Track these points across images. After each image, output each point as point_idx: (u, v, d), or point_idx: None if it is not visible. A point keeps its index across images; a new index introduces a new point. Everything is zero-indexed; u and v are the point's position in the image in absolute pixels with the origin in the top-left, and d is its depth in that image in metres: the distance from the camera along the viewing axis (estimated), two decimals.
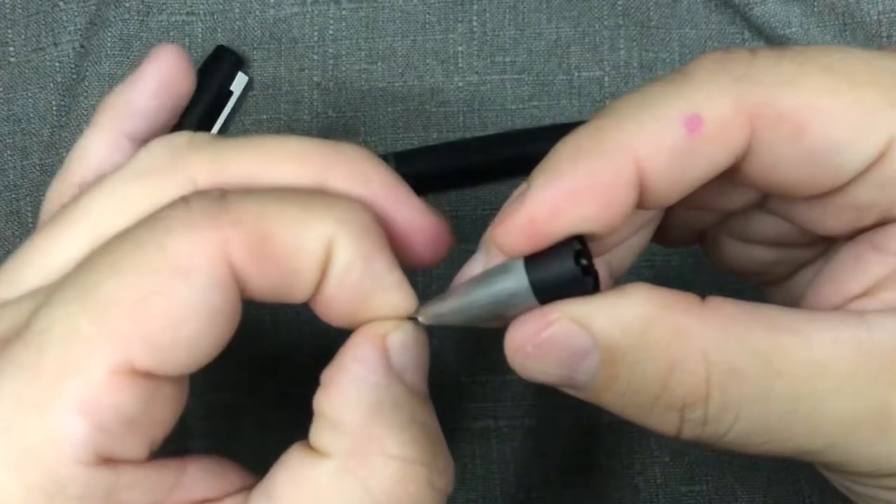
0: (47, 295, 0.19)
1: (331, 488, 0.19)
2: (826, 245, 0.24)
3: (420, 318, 0.21)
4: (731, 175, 0.20)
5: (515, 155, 0.35)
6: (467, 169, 0.35)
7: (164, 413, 0.20)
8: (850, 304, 0.20)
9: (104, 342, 0.18)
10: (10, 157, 0.36)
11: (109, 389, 0.18)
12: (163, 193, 0.21)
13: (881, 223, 0.20)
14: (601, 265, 0.23)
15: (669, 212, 0.24)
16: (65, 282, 0.19)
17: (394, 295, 0.21)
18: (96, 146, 0.24)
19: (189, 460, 0.21)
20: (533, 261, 0.20)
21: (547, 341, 0.19)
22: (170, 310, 0.18)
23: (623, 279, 0.23)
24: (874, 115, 0.19)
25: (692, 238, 0.26)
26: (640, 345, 0.19)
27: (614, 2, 0.37)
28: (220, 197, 0.20)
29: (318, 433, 0.20)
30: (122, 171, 0.22)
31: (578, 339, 0.19)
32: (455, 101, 0.36)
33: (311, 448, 0.20)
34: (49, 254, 0.21)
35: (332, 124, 0.36)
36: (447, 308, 0.21)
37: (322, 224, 0.20)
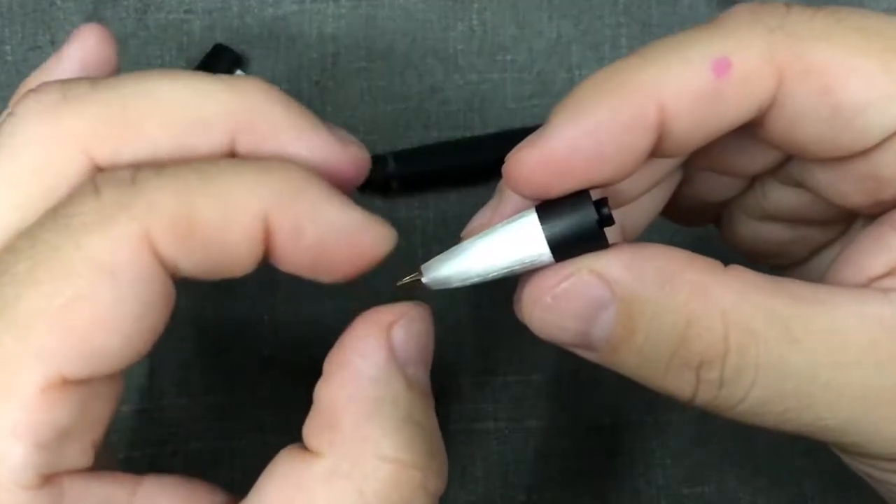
0: None
1: (322, 491, 0.18)
2: (843, 226, 0.24)
3: (425, 281, 0.20)
4: (753, 129, 0.20)
5: None
6: (467, 168, 0.35)
7: (102, 411, 0.19)
8: (873, 284, 0.20)
9: (31, 359, 0.17)
10: None
11: (43, 406, 0.17)
12: (56, 173, 0.19)
13: None
14: (616, 226, 0.23)
15: (685, 182, 0.24)
16: None
17: (364, 235, 0.19)
18: None
19: (146, 477, 0.20)
20: (548, 213, 0.19)
21: (566, 292, 0.19)
22: (97, 313, 0.17)
23: None
24: None
25: (708, 216, 0.26)
26: (658, 298, 0.19)
27: (615, 0, 0.37)
28: (131, 181, 0.18)
29: (313, 428, 0.19)
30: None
31: (597, 291, 0.19)
32: (455, 100, 0.36)
33: (302, 449, 0.19)
34: None
35: (331, 122, 0.36)
36: (454, 269, 0.20)
37: (250, 196, 0.18)
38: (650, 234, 0.27)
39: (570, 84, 0.36)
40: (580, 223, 0.19)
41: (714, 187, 0.24)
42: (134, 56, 0.36)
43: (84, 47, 0.24)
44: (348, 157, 0.20)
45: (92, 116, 0.19)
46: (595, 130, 0.19)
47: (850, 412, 0.19)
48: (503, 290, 0.35)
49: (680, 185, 0.24)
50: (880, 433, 0.19)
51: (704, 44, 0.19)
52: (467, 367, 0.34)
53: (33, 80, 0.23)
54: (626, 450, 0.34)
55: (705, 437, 0.34)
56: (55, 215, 0.18)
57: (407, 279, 0.21)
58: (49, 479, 0.18)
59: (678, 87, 0.19)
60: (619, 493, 0.34)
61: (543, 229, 0.19)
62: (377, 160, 0.35)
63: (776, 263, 0.26)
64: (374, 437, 0.19)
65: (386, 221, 0.20)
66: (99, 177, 0.18)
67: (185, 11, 0.37)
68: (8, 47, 0.37)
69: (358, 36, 0.36)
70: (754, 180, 0.24)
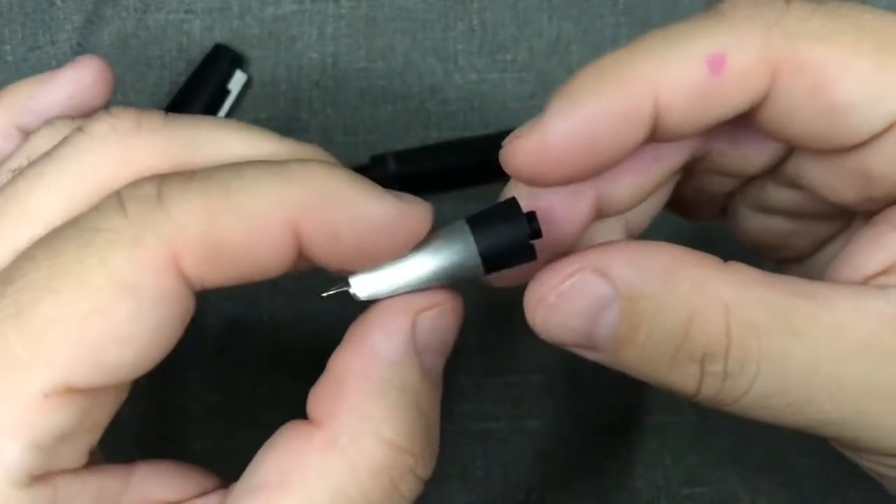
0: None
1: (317, 461, 0.19)
2: (844, 221, 0.24)
3: (352, 290, 0.20)
4: (747, 119, 0.20)
5: None
6: (467, 168, 0.35)
7: (103, 417, 0.19)
8: (871, 282, 0.20)
9: (40, 366, 0.17)
10: None
11: (44, 411, 0.17)
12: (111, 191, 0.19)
13: (892, 200, 0.20)
14: (619, 224, 0.24)
15: (688, 178, 0.24)
16: None
17: (401, 222, 0.19)
18: None
19: (137, 464, 0.20)
20: (479, 225, 0.20)
21: (569, 291, 0.19)
22: (113, 328, 0.17)
23: None
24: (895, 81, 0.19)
25: (714, 211, 0.26)
26: (660, 293, 0.19)
27: (615, 0, 0.37)
28: (157, 197, 0.18)
29: (319, 395, 0.19)
30: (63, 158, 0.20)
31: (600, 288, 0.19)
32: (455, 100, 0.36)
33: (304, 422, 0.19)
34: None
35: (331, 123, 0.36)
36: (383, 280, 0.20)
37: (277, 208, 0.18)
38: (653, 231, 0.27)
39: None
40: (512, 236, 0.19)
41: (714, 182, 0.25)
42: (134, 56, 0.36)
43: (81, 77, 0.24)
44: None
45: (160, 152, 0.20)
46: (591, 121, 0.19)
47: (851, 405, 0.19)
48: (503, 290, 0.35)
49: (681, 181, 0.24)
50: (881, 427, 0.19)
51: (701, 38, 0.19)
52: (467, 367, 0.34)
53: (24, 86, 0.24)
54: (626, 450, 0.34)
55: (705, 437, 0.34)
56: (78, 228, 0.18)
57: (333, 290, 0.21)
58: (42, 477, 0.18)
59: (673, 82, 0.19)
60: (619, 493, 0.34)
61: (475, 241, 0.19)
62: (377, 160, 0.35)
63: (782, 257, 0.26)
64: (376, 417, 0.19)
65: (417, 199, 0.20)
66: (124, 191, 0.18)
67: (186, 11, 0.37)
68: (8, 47, 0.37)
69: (358, 36, 0.36)
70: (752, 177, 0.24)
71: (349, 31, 0.36)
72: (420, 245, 0.20)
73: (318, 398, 0.19)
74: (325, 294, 0.21)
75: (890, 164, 0.19)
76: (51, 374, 0.17)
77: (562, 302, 0.19)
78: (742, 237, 0.26)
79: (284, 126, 0.36)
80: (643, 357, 0.19)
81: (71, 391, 0.18)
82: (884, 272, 0.20)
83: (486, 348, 0.34)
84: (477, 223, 0.20)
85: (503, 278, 0.22)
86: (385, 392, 0.19)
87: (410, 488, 0.19)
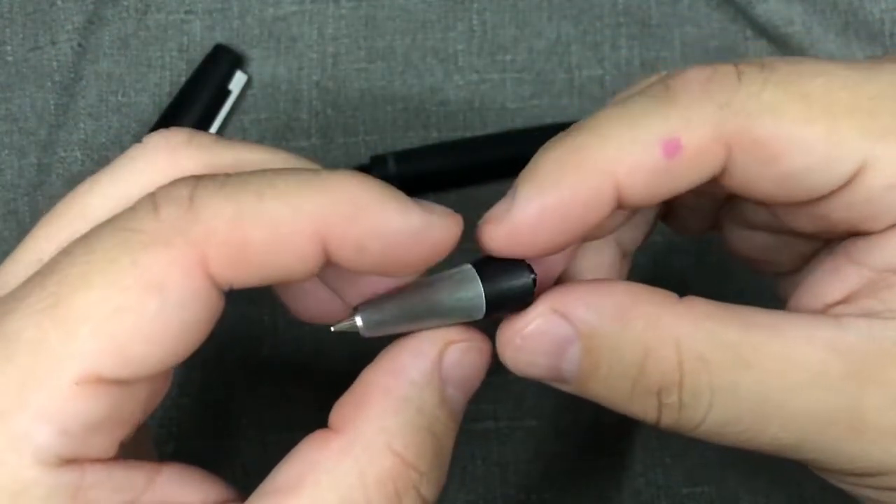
0: (14, 298, 0.19)
1: (330, 466, 0.19)
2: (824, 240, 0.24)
3: (360, 325, 0.21)
4: (707, 182, 0.21)
5: (516, 154, 0.34)
6: (467, 168, 0.35)
7: (134, 412, 0.20)
8: (829, 311, 0.21)
9: (71, 355, 0.18)
10: (7, 157, 0.36)
11: (74, 398, 0.18)
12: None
13: (853, 232, 0.21)
14: (611, 244, 0.25)
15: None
16: (35, 287, 0.19)
17: (429, 234, 0.20)
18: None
19: (165, 465, 0.21)
20: (485, 271, 0.21)
21: (533, 333, 0.21)
22: (141, 325, 0.18)
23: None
24: (845, 144, 0.19)
25: (705, 225, 0.27)
26: (617, 332, 0.20)
27: (615, 0, 0.37)
28: (189, 199, 0.19)
29: (343, 404, 0.20)
30: (118, 164, 0.21)
31: (561, 329, 0.21)
32: (455, 100, 0.36)
33: (326, 431, 0.20)
34: (42, 251, 0.21)
35: (332, 123, 0.36)
36: (390, 317, 0.21)
37: (304, 218, 0.19)
38: (653, 235, 0.27)
39: (570, 84, 0.36)
40: (515, 285, 0.21)
41: (695, 199, 0.25)
42: (135, 56, 0.36)
43: None
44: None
45: (205, 165, 0.21)
46: (555, 207, 0.20)
47: (804, 433, 0.20)
48: None
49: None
50: (837, 451, 0.20)
51: (655, 123, 0.20)
52: None
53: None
54: (626, 450, 0.34)
55: (708, 442, 0.34)
56: (113, 227, 0.19)
57: (343, 325, 0.21)
58: (70, 462, 0.19)
59: (630, 167, 0.20)
60: (619, 493, 0.34)
61: (484, 288, 0.21)
62: (377, 160, 0.35)
63: (773, 270, 0.27)
64: (390, 430, 0.20)
65: (448, 210, 0.21)
66: (158, 193, 0.19)
67: (186, 12, 0.37)
68: (9, 47, 0.37)
69: (358, 36, 0.36)
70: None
71: (349, 32, 0.36)
72: (425, 283, 0.21)
73: (341, 408, 0.20)
74: (334, 328, 0.22)
75: (847, 211, 0.20)
76: (82, 363, 0.18)
77: (527, 343, 0.21)
78: (732, 251, 0.27)
79: (284, 126, 0.36)
80: (606, 389, 0.21)
81: (100, 382, 0.18)
82: (842, 301, 0.21)
83: None
84: (485, 270, 0.21)
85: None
86: (403, 409, 0.20)
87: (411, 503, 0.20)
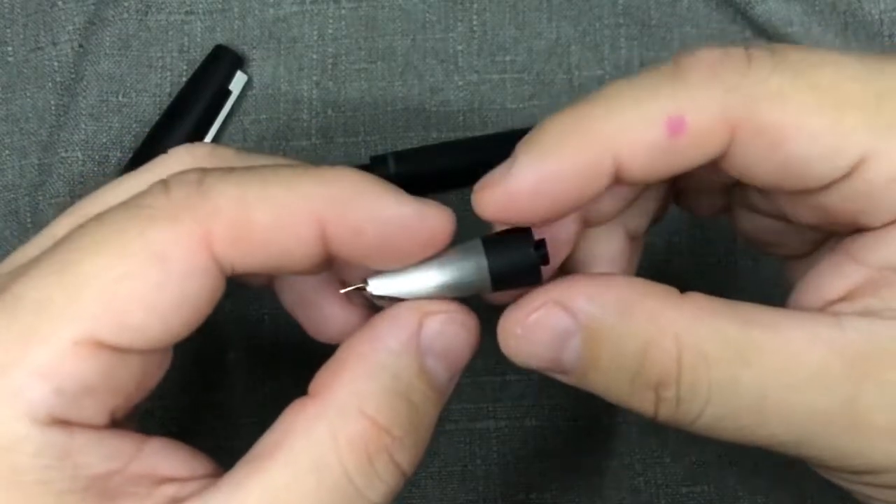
0: (28, 265, 0.20)
1: (305, 430, 0.20)
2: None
3: (369, 289, 0.22)
4: (712, 163, 0.21)
5: None
6: (467, 168, 0.35)
7: (129, 384, 0.20)
8: (829, 308, 0.21)
9: (73, 315, 0.19)
10: (8, 157, 0.36)
11: (72, 358, 0.19)
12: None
13: (853, 227, 0.21)
14: (618, 228, 0.25)
15: (682, 176, 0.25)
16: (46, 255, 0.20)
17: (422, 225, 0.21)
18: None
19: (153, 437, 0.21)
20: (493, 246, 0.21)
21: (534, 324, 0.21)
22: (142, 293, 0.19)
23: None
24: (849, 136, 0.19)
25: (715, 208, 0.27)
26: (618, 325, 0.20)
27: (615, 1, 0.37)
28: (198, 183, 0.20)
29: (322, 372, 0.21)
30: (142, 173, 0.23)
31: (562, 321, 0.21)
32: (455, 101, 0.36)
33: (304, 397, 0.21)
34: (56, 237, 0.22)
35: (332, 123, 0.36)
36: (398, 283, 0.22)
37: (305, 202, 0.20)
38: (653, 232, 0.27)
39: (570, 85, 0.36)
40: (522, 260, 0.21)
41: (703, 181, 0.25)
42: (135, 57, 0.36)
43: None
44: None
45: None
46: (554, 175, 0.20)
47: (802, 430, 0.20)
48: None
49: (679, 178, 0.25)
50: (836, 449, 0.20)
51: (662, 100, 0.20)
52: (467, 366, 0.34)
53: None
54: (626, 449, 0.34)
55: (705, 436, 0.34)
56: (125, 205, 0.20)
57: (352, 287, 0.22)
58: (62, 423, 0.19)
59: (633, 142, 0.20)
60: (619, 493, 0.34)
61: (488, 261, 0.21)
62: (377, 160, 0.35)
63: (782, 254, 0.27)
64: (363, 394, 0.20)
65: (440, 205, 0.21)
66: (171, 177, 0.20)
67: (186, 12, 0.37)
68: (10, 48, 0.37)
69: (358, 37, 0.37)
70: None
71: (349, 32, 0.37)
72: (436, 256, 0.22)
73: (319, 375, 0.21)
74: (343, 291, 0.23)
75: (847, 203, 0.20)
76: (82, 324, 0.19)
77: (528, 333, 0.21)
78: (741, 234, 0.27)
79: (285, 126, 0.36)
80: (606, 382, 0.21)
81: (98, 345, 0.19)
82: (842, 299, 0.21)
83: (486, 348, 0.34)
84: (492, 244, 0.21)
85: (503, 296, 0.23)
86: (378, 375, 0.20)
87: (387, 470, 0.20)
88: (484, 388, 0.34)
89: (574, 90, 0.36)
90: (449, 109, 0.36)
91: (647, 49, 0.36)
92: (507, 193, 0.20)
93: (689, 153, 0.20)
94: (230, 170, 0.21)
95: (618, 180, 0.21)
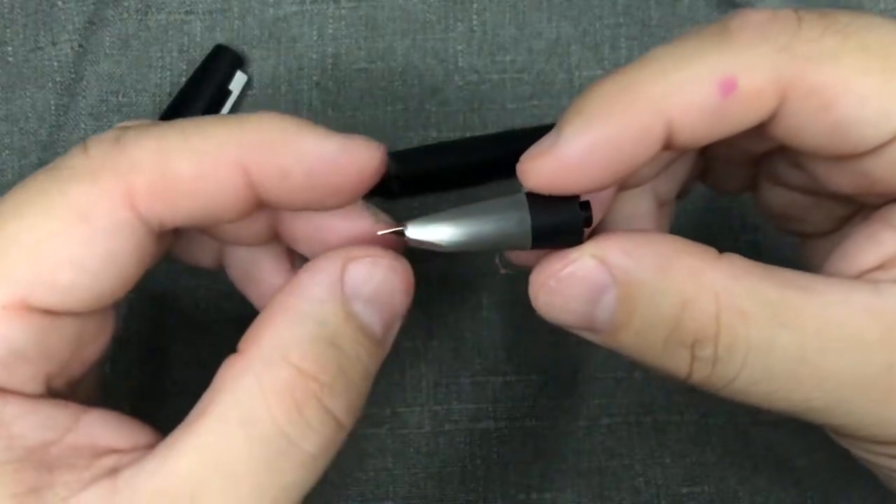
0: None
1: (232, 385, 0.20)
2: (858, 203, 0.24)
3: (408, 233, 0.21)
4: (757, 129, 0.21)
5: (516, 154, 0.34)
6: (467, 168, 0.35)
7: (63, 349, 0.20)
8: (865, 276, 0.20)
9: (0, 279, 0.19)
10: (8, 157, 0.36)
11: (1, 322, 0.19)
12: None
13: (893, 195, 0.21)
14: (648, 193, 0.25)
15: (710, 148, 0.24)
16: None
17: (349, 158, 0.20)
18: None
19: (91, 408, 0.21)
20: (538, 202, 0.21)
21: (569, 276, 0.20)
22: (68, 252, 0.19)
23: None
24: None
25: (740, 184, 0.27)
26: (655, 281, 0.20)
27: (615, 1, 0.37)
28: (116, 139, 0.20)
29: (248, 330, 0.21)
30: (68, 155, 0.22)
31: (598, 275, 0.20)
32: (455, 101, 0.36)
33: (232, 354, 0.20)
34: None
35: (331, 123, 0.36)
36: (438, 227, 0.21)
37: (225, 149, 0.20)
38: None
39: (570, 85, 0.36)
40: (566, 219, 0.20)
41: (733, 153, 0.25)
42: (135, 56, 0.36)
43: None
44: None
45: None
46: (604, 142, 0.20)
47: (836, 395, 0.19)
48: (503, 290, 0.35)
49: (706, 150, 0.25)
50: (867, 416, 0.20)
51: (713, 61, 0.19)
52: (467, 366, 0.34)
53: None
54: (626, 450, 0.34)
55: (705, 436, 0.34)
56: (46, 168, 0.20)
57: (390, 230, 0.22)
58: None
59: (684, 104, 0.19)
60: (619, 493, 0.34)
61: (531, 215, 0.20)
62: None
63: (805, 231, 0.27)
64: (286, 343, 0.20)
65: (368, 139, 0.21)
66: (90, 138, 0.20)
67: (186, 12, 0.37)
68: (9, 48, 0.37)
69: (358, 37, 0.37)
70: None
71: (349, 32, 0.37)
72: (478, 205, 0.21)
73: (248, 331, 0.21)
74: (380, 233, 0.22)
75: (889, 168, 0.20)
76: (9, 287, 0.19)
77: (562, 286, 0.20)
78: (764, 211, 0.27)
79: None
80: (639, 340, 0.20)
81: (28, 308, 0.19)
82: (877, 268, 0.20)
83: (486, 348, 0.34)
84: (536, 200, 0.21)
85: (527, 257, 0.22)
86: (301, 323, 0.20)
87: (319, 418, 0.20)
88: (484, 388, 0.34)
89: (574, 90, 0.36)
90: (449, 109, 0.36)
91: (647, 49, 0.36)
92: (556, 161, 0.20)
93: (739, 115, 0.20)
94: (150, 125, 0.20)
95: (667, 146, 0.20)
